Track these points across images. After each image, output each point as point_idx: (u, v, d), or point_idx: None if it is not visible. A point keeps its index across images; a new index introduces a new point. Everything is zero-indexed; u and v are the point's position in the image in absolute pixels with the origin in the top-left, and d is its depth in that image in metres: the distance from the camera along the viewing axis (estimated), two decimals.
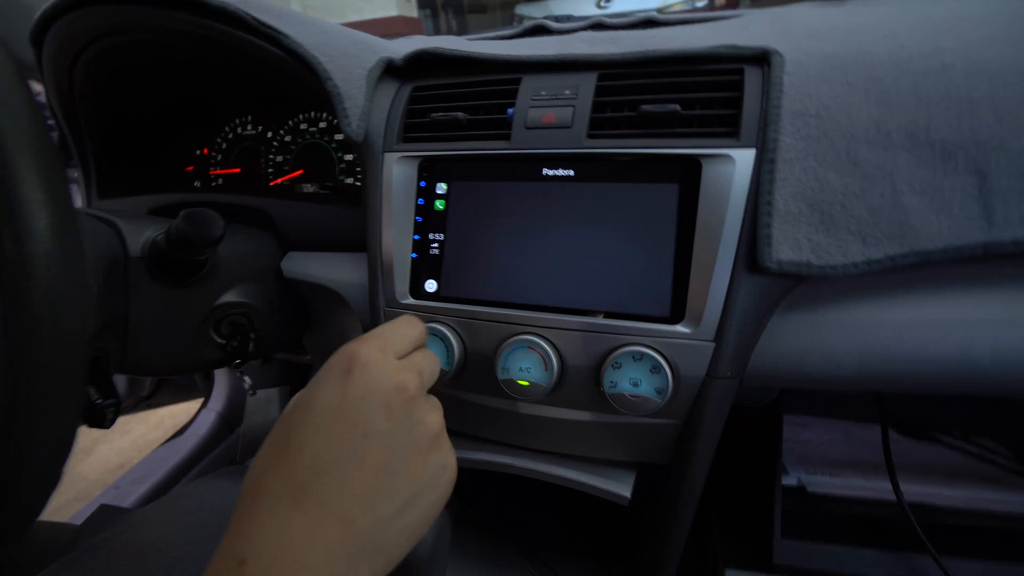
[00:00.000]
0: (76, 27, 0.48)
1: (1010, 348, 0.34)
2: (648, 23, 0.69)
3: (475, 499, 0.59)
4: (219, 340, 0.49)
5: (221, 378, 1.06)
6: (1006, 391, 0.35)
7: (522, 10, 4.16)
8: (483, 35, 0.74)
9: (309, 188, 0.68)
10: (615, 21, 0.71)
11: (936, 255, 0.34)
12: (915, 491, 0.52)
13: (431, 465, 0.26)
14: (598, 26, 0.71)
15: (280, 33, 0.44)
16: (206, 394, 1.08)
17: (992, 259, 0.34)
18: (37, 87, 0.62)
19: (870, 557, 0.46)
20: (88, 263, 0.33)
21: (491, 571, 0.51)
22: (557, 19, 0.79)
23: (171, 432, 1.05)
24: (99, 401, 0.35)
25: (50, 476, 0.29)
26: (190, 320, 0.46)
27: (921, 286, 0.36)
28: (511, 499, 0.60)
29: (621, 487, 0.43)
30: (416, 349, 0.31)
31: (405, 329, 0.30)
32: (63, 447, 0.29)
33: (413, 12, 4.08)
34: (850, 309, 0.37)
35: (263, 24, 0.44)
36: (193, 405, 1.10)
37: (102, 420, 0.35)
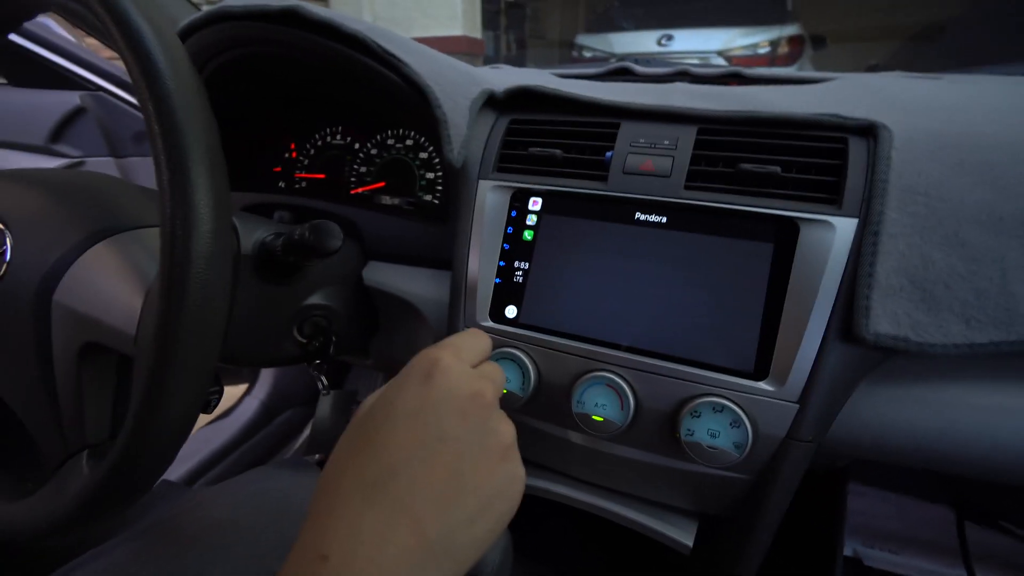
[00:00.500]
0: (214, 37, 0.53)
1: None
2: (734, 76, 0.70)
3: (530, 531, 0.59)
4: (300, 339, 0.51)
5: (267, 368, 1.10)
6: None
7: (583, 40, 4.27)
8: (569, 70, 0.77)
9: (388, 200, 0.71)
10: (701, 71, 0.73)
11: None
12: None
13: (501, 475, 0.25)
14: (683, 74, 0.73)
15: (400, 61, 0.48)
16: (251, 381, 1.12)
17: None
18: None
19: None
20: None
21: None
22: (637, 62, 0.81)
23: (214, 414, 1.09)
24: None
25: (173, 447, 0.31)
26: (280, 317, 0.49)
27: (1014, 374, 0.36)
28: (566, 535, 0.60)
29: (683, 535, 0.43)
30: (484, 361, 0.31)
31: (475, 340, 0.31)
32: (188, 424, 0.31)
33: (477, 33, 4.24)
34: (939, 388, 0.37)
35: (386, 52, 0.47)
36: (236, 390, 1.14)
37: (208, 405, 0.37)
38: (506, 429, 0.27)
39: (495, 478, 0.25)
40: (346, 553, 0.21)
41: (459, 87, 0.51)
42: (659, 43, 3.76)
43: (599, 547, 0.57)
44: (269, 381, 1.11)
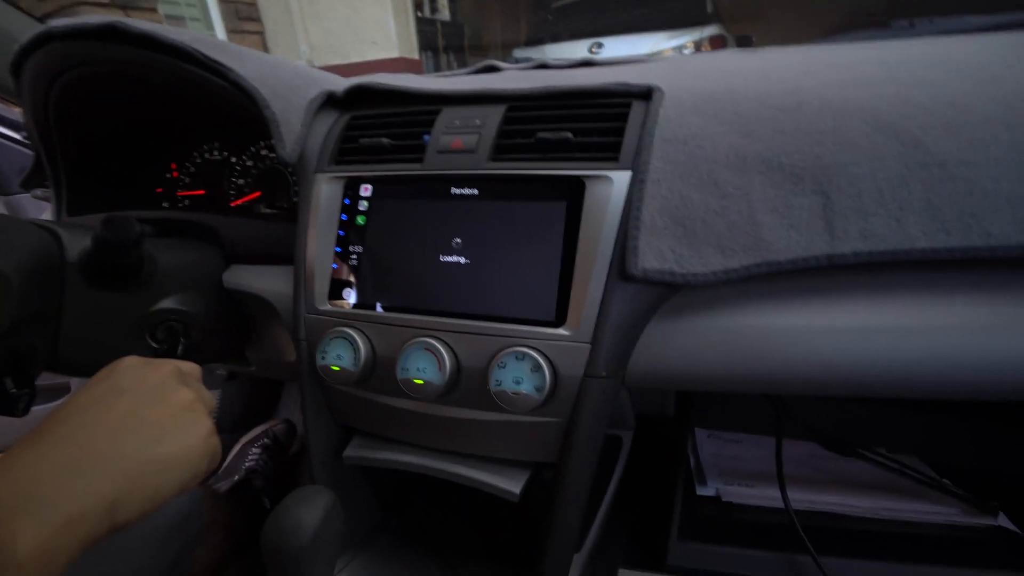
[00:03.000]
0: (48, 59, 0.54)
1: (853, 351, 0.37)
2: (585, 64, 0.75)
3: (398, 507, 0.61)
4: (154, 345, 0.52)
5: None
6: (850, 391, 0.38)
7: (519, 53, 4.40)
8: (441, 74, 0.81)
9: (266, 209, 0.72)
10: (557, 62, 0.77)
11: (786, 265, 0.37)
12: (823, 500, 0.54)
13: (183, 418, 0.31)
14: (543, 66, 0.78)
15: (224, 67, 0.50)
16: None
17: (835, 269, 0.37)
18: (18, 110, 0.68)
19: (759, 558, 0.47)
20: (14, 265, 0.37)
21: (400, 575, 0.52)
22: (506, 60, 0.85)
23: None
24: (13, 391, 0.38)
25: None
26: (124, 323, 0.50)
27: (777, 296, 0.39)
28: (434, 507, 0.61)
29: (511, 483, 0.45)
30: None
31: (177, 361, 0.37)
32: None
33: (415, 54, 4.31)
34: (718, 316, 0.40)
35: (208, 58, 0.49)
36: None
37: (14, 408, 0.38)
38: (187, 393, 0.33)
39: (176, 418, 0.31)
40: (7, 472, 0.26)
41: (294, 88, 0.54)
42: (590, 51, 3.90)
43: (468, 519, 0.59)
44: None
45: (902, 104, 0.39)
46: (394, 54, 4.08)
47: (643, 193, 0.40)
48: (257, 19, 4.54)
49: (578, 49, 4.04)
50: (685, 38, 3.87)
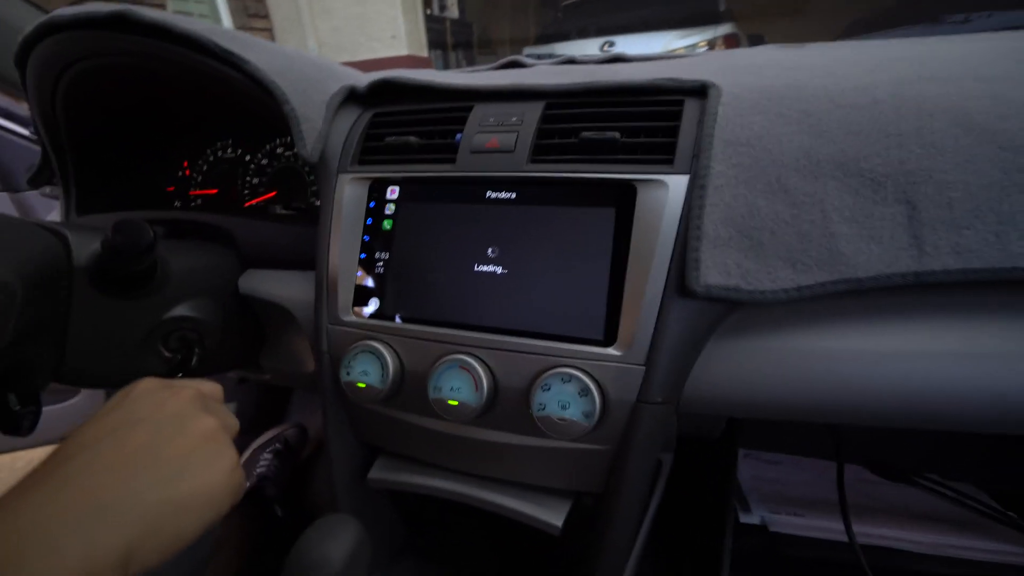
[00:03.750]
0: (54, 50, 0.51)
1: (944, 380, 0.33)
2: (616, 60, 0.71)
3: (423, 526, 0.57)
4: (167, 354, 0.49)
5: None
6: (939, 424, 0.34)
7: (530, 51, 4.36)
8: (463, 70, 0.77)
9: (281, 210, 0.69)
10: (586, 57, 0.74)
11: (867, 282, 0.33)
12: (882, 534, 0.50)
13: (204, 451, 0.28)
14: (570, 62, 0.74)
15: (241, 59, 0.46)
16: None
17: (923, 288, 0.33)
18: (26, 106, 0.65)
19: None
20: (17, 270, 0.34)
21: None
22: (532, 55, 0.82)
23: None
24: (17, 408, 0.35)
25: None
26: (135, 332, 0.46)
27: (854, 316, 0.36)
28: (461, 527, 0.58)
29: (552, 515, 0.41)
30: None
31: (198, 383, 0.34)
32: None
33: (424, 52, 4.27)
34: (785, 338, 0.36)
35: (225, 50, 0.46)
36: None
37: (18, 427, 0.35)
38: (211, 421, 0.30)
39: (196, 452, 0.28)
40: (9, 524, 0.22)
41: (314, 83, 0.50)
42: (602, 50, 3.85)
43: (497, 543, 0.55)
44: None
45: (993, 101, 0.35)
46: (403, 51, 4.05)
47: (704, 200, 0.36)
48: (266, 16, 4.52)
49: (589, 48, 3.99)
50: (697, 37, 3.82)
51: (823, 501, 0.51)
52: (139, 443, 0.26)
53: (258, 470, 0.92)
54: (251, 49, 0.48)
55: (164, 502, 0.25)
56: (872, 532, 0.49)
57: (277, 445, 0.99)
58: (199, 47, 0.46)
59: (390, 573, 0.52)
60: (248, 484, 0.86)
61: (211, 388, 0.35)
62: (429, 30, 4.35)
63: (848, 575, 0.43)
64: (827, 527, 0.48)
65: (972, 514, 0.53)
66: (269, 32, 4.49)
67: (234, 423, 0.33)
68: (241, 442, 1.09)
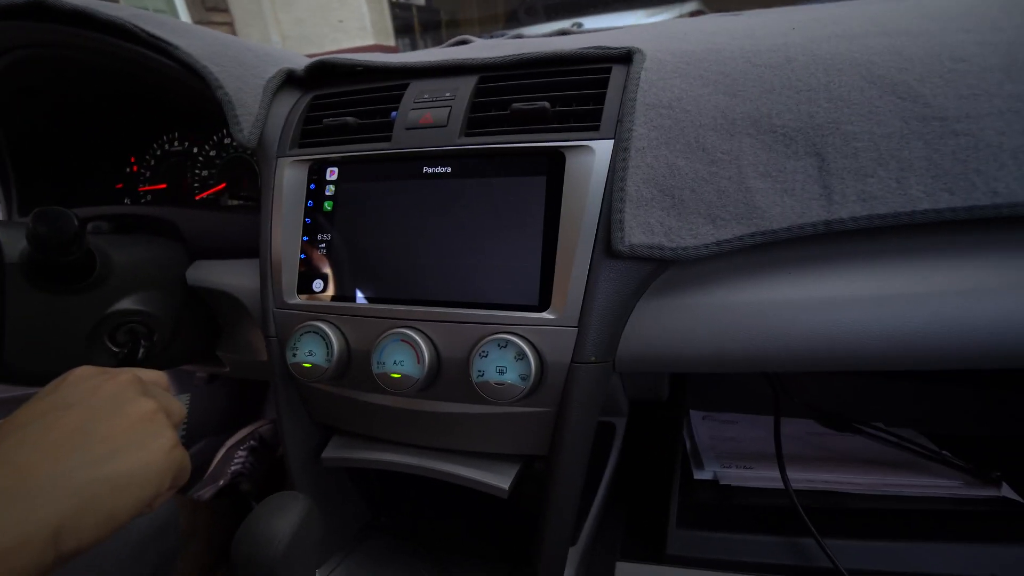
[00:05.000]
0: None
1: (857, 322, 0.35)
2: (562, 33, 0.71)
3: (387, 505, 0.58)
4: (114, 348, 0.48)
5: None
6: (858, 364, 0.36)
7: (497, 34, 4.31)
8: (412, 53, 0.77)
9: (231, 201, 0.68)
10: (533, 31, 0.74)
11: (782, 233, 0.35)
12: (824, 479, 0.52)
13: (138, 431, 0.28)
14: (518, 37, 0.74)
15: (170, 44, 0.46)
16: None
17: (835, 236, 0.35)
18: None
19: (761, 543, 0.46)
20: None
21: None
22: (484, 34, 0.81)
23: None
24: None
25: None
26: (80, 327, 0.46)
27: (774, 268, 0.37)
28: (425, 504, 0.59)
29: (500, 479, 0.43)
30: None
31: (140, 371, 0.34)
32: None
33: (390, 40, 4.19)
34: (711, 293, 0.38)
35: (152, 36, 0.45)
36: None
37: None
38: (148, 403, 0.30)
39: (132, 432, 0.28)
40: None
41: (250, 68, 0.50)
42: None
43: (460, 515, 0.57)
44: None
45: (896, 56, 0.36)
46: (369, 41, 3.97)
47: (627, 162, 0.37)
48: (225, 9, 4.38)
49: (557, 29, 3.96)
50: (665, 15, 3.82)
51: (772, 454, 0.53)
52: (71, 425, 0.27)
53: (233, 467, 0.92)
54: (182, 35, 0.47)
55: (97, 480, 0.26)
56: (815, 478, 0.52)
57: (252, 442, 0.99)
58: (124, 34, 0.45)
59: (355, 551, 0.53)
60: (222, 482, 0.86)
61: (152, 375, 0.35)
62: (395, 17, 4.27)
63: (788, 517, 0.46)
64: (772, 476, 0.51)
65: (911, 456, 0.56)
66: (230, 26, 4.36)
67: (178, 408, 0.33)
68: (215, 442, 1.09)
